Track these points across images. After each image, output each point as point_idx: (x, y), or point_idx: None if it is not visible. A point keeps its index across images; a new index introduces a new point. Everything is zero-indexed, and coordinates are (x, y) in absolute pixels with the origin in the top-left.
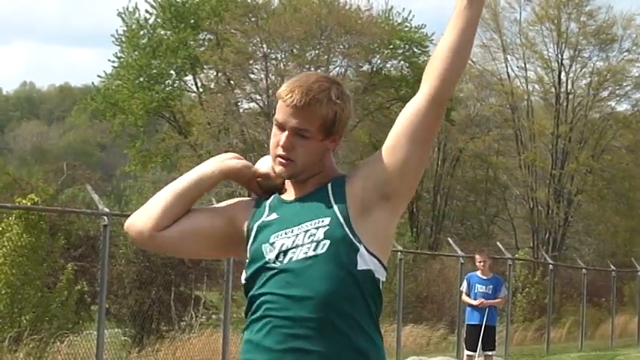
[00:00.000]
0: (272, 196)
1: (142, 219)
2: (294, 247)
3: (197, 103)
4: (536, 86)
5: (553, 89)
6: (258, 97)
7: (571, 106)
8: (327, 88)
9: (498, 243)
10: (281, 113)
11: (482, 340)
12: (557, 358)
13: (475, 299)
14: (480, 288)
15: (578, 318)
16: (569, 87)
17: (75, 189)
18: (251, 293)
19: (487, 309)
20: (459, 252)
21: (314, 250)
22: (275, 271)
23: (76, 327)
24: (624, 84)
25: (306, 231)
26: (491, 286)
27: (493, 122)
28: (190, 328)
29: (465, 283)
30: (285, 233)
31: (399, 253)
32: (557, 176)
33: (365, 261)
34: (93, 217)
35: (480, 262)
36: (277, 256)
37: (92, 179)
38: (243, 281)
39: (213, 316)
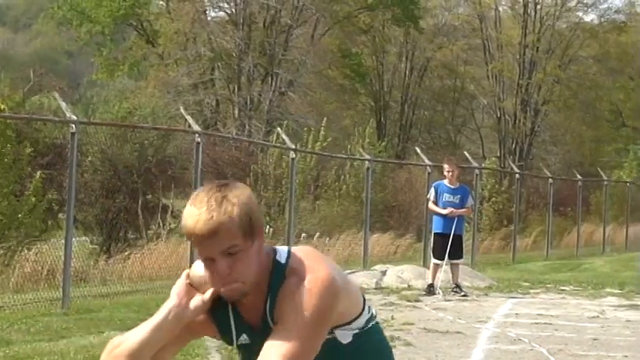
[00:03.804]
0: (228, 309)
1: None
2: None
3: (165, 12)
4: None
5: None
6: (226, 5)
7: (539, 16)
8: (223, 197)
9: (465, 152)
10: (200, 248)
11: (449, 249)
12: (523, 267)
13: (444, 208)
14: (447, 197)
15: (544, 227)
16: None
17: (42, 97)
18: None
19: (455, 218)
20: (427, 161)
21: None
22: None
23: (44, 235)
24: None
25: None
26: (458, 196)
27: (461, 32)
28: (158, 236)
29: (432, 191)
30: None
31: (367, 162)
32: (524, 86)
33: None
34: (60, 125)
35: (448, 171)
36: None
37: (59, 87)
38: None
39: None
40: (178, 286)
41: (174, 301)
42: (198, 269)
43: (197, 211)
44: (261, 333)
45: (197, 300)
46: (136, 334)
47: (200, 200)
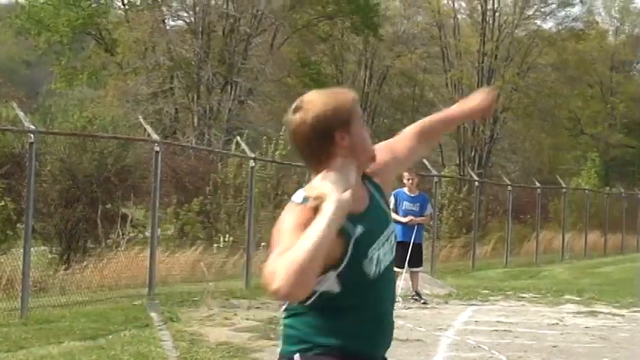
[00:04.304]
0: None
1: (294, 293)
2: (383, 257)
3: (123, 21)
4: (463, 4)
5: (479, 7)
6: (185, 14)
7: (497, 24)
8: None
9: (425, 160)
10: (358, 113)
11: (409, 258)
12: (483, 275)
13: (404, 216)
14: (407, 205)
15: (503, 234)
16: (496, 4)
17: (0, 106)
18: (346, 303)
19: (414, 226)
20: None
21: (392, 253)
22: (374, 281)
23: (3, 245)
24: (550, 1)
25: (387, 239)
26: (418, 204)
27: (420, 40)
28: (117, 245)
29: (391, 199)
30: (376, 246)
31: None
32: None
33: None
34: (18, 135)
35: (408, 179)
36: (376, 267)
37: (17, 97)
38: (328, 289)
39: (140, 235)
40: (323, 197)
41: (334, 197)
42: (322, 186)
43: (339, 91)
44: (373, 209)
45: (345, 195)
46: (301, 251)
47: (325, 90)
